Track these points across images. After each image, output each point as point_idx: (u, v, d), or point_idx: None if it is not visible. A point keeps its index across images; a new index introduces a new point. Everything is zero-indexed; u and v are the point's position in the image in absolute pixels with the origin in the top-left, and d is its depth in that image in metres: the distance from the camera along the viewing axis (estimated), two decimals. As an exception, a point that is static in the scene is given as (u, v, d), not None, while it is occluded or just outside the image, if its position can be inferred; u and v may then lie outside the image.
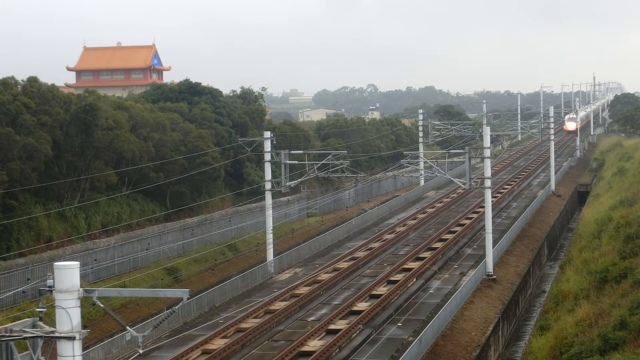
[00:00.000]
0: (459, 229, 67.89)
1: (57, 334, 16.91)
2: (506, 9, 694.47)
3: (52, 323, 17.27)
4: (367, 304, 45.01)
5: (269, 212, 57.14)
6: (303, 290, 48.91)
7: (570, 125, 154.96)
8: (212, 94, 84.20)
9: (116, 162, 62.27)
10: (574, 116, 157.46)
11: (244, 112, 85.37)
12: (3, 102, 53.63)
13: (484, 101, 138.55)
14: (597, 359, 34.29)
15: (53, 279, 17.05)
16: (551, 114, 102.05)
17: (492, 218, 56.45)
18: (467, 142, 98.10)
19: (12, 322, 19.03)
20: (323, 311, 45.19)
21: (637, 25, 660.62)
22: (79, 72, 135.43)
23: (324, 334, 39.97)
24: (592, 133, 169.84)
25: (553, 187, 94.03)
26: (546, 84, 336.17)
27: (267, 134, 57.07)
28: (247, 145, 64.13)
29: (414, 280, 51.31)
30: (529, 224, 73.21)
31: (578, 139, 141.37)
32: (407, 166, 66.41)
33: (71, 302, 16.93)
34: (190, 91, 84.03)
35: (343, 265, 55.77)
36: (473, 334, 42.57)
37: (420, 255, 57.82)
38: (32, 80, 59.50)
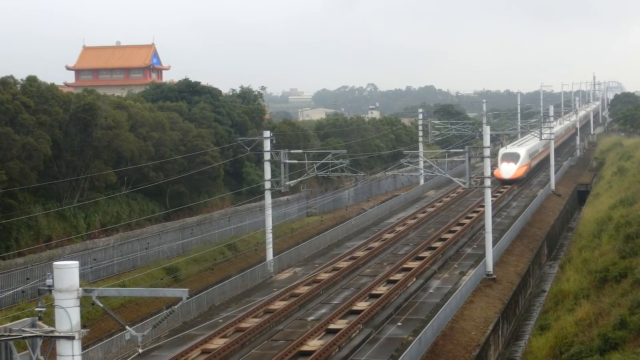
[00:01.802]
0: (458, 228, 67.84)
1: (56, 334, 16.87)
2: (505, 9, 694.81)
3: (52, 322, 17.23)
4: (367, 303, 44.96)
5: (269, 212, 57.10)
6: (303, 289, 48.86)
7: (506, 170, 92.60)
8: (211, 93, 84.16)
9: (115, 162, 62.23)
10: (518, 150, 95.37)
11: (244, 111, 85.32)
12: (2, 101, 53.55)
13: (484, 100, 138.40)
14: (597, 358, 34.25)
15: (52, 278, 17.01)
16: (551, 113, 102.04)
17: (492, 217, 56.40)
18: (467, 141, 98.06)
19: (11, 321, 19.00)
20: (323, 311, 45.14)
21: (636, 25, 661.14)
22: (78, 72, 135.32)
23: (323, 333, 39.92)
24: (592, 132, 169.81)
25: (553, 187, 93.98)
26: (546, 84, 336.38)
27: (267, 133, 57.02)
28: (247, 145, 64.08)
29: (414, 279, 51.26)
30: (528, 223, 73.17)
31: (578, 138, 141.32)
32: (407, 165, 66.39)
33: (70, 301, 16.90)
34: (189, 90, 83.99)
35: (343, 264, 55.72)
36: (473, 334, 42.53)
37: (420, 255, 57.77)
38: (31, 80, 59.42)
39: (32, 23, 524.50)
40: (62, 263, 17.18)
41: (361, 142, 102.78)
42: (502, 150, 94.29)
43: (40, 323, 17.89)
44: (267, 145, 56.03)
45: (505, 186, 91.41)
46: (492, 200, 57.21)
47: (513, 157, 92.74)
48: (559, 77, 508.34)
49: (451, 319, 43.36)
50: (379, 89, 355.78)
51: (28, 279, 48.39)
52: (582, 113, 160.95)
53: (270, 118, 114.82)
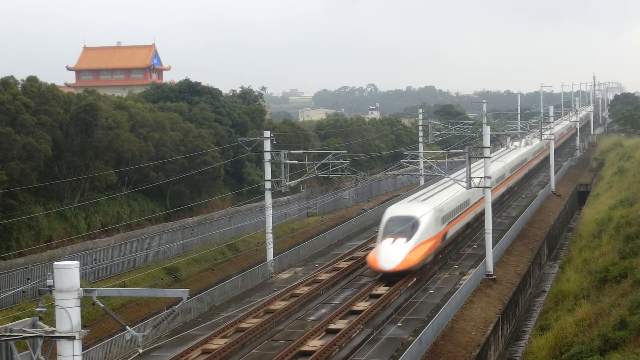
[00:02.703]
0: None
1: (56, 334, 16.90)
2: (505, 9, 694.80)
3: (52, 323, 17.26)
4: (367, 303, 44.97)
5: (269, 212, 57.13)
6: (303, 290, 48.88)
7: (388, 255, 49.17)
8: (211, 93, 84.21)
9: (116, 162, 62.27)
10: (417, 212, 51.45)
11: (244, 111, 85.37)
12: (3, 101, 53.60)
13: (484, 101, 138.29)
14: (597, 358, 34.28)
15: (53, 278, 17.05)
16: (551, 113, 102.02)
17: (492, 218, 56.39)
18: (467, 141, 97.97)
19: (11, 321, 19.02)
20: (323, 311, 45.15)
21: (636, 25, 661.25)
22: (79, 72, 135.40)
23: (323, 333, 39.94)
24: (592, 133, 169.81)
25: (553, 187, 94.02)
26: (546, 84, 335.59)
27: (267, 133, 57.06)
28: (247, 145, 64.11)
29: (414, 279, 51.25)
30: (528, 223, 73.19)
31: (578, 138, 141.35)
32: (407, 166, 66.39)
33: (71, 301, 16.93)
34: (190, 91, 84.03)
35: (343, 264, 55.72)
36: (473, 334, 42.56)
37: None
38: (32, 80, 59.48)
39: (32, 24, 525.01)
40: (63, 263, 17.22)
41: (361, 142, 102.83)
42: (390, 210, 53.39)
43: (40, 323, 17.92)
44: (267, 145, 56.06)
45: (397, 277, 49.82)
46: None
47: (406, 228, 50.21)
48: (559, 78, 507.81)
49: (451, 319, 43.39)
50: (379, 90, 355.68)
51: (29, 279, 48.42)
52: (565, 123, 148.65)
53: (271, 118, 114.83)
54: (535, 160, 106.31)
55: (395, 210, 53.62)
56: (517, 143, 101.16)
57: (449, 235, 57.55)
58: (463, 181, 54.61)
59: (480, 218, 66.81)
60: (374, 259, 50.07)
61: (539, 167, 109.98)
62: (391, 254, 49.19)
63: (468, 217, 63.67)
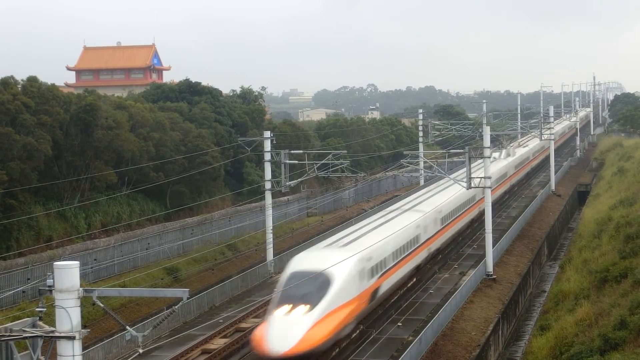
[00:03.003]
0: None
1: (57, 334, 16.90)
2: (505, 9, 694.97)
3: (52, 323, 17.26)
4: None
5: (269, 212, 57.14)
6: (303, 289, 48.72)
7: (280, 333, 32.67)
8: (212, 93, 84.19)
9: (116, 162, 62.25)
10: (324, 263, 35.64)
11: (244, 111, 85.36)
12: (3, 101, 53.57)
13: (484, 101, 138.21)
14: (597, 358, 34.28)
15: (53, 278, 17.05)
16: (551, 113, 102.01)
17: (492, 218, 56.37)
18: (467, 141, 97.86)
19: (12, 321, 19.03)
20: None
21: (636, 25, 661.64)
22: (79, 72, 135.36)
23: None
24: (592, 133, 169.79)
25: (553, 187, 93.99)
26: (546, 84, 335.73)
27: (267, 133, 57.09)
28: (247, 145, 64.10)
29: (414, 279, 51.24)
30: (528, 223, 73.20)
31: (578, 138, 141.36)
32: (407, 166, 66.33)
33: (71, 301, 16.93)
34: (190, 91, 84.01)
35: (343, 264, 55.44)
36: (473, 334, 42.56)
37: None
38: (32, 80, 59.46)
39: (32, 24, 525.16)
40: (63, 263, 17.22)
41: (361, 142, 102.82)
42: (293, 263, 37.76)
43: (40, 323, 17.93)
44: (267, 145, 56.08)
45: None
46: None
47: (310, 290, 35.07)
48: (559, 78, 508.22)
49: (451, 319, 43.40)
50: (379, 90, 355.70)
51: (29, 279, 48.41)
52: (561, 126, 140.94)
53: (271, 118, 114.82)
54: (518, 175, 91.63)
55: (300, 262, 37.33)
56: (496, 154, 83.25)
57: (382, 290, 41.64)
58: (463, 181, 54.62)
59: (436, 257, 55.50)
60: (261, 336, 33.61)
61: (523, 182, 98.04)
62: (284, 330, 33.18)
63: (417, 258, 48.89)
